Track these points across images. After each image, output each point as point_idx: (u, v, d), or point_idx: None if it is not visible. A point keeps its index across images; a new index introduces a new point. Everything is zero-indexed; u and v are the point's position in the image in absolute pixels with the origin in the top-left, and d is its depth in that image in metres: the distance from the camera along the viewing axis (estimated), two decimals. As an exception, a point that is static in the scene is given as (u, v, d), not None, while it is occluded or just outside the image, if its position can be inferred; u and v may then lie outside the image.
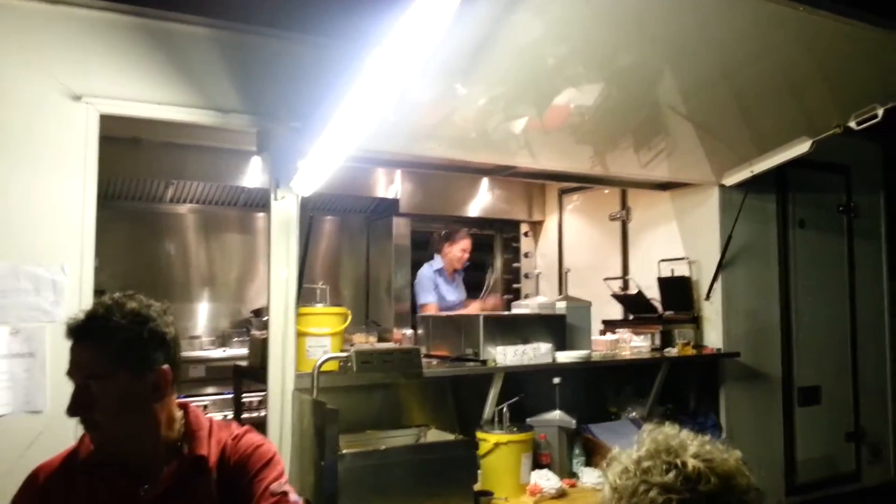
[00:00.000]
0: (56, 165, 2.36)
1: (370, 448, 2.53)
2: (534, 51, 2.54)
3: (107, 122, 3.86)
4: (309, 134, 2.59)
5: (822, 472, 4.07)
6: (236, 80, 2.63)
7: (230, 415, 3.96)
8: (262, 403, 4.23)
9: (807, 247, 4.20)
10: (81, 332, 1.37)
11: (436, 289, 4.56)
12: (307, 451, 2.49)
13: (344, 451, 2.41)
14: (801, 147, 3.45)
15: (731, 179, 3.84)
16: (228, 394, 4.05)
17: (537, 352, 3.10)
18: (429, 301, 4.60)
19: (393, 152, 3.23)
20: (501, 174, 4.06)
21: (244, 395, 3.76)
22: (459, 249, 4.53)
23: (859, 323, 4.40)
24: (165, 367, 1.40)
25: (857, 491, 4.23)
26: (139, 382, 1.37)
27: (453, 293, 4.57)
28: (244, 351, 3.97)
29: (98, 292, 1.46)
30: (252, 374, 3.21)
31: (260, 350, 2.93)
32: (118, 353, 1.34)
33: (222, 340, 4.72)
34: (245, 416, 3.96)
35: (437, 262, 4.65)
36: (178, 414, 1.48)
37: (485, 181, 5.26)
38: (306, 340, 2.79)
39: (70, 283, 2.30)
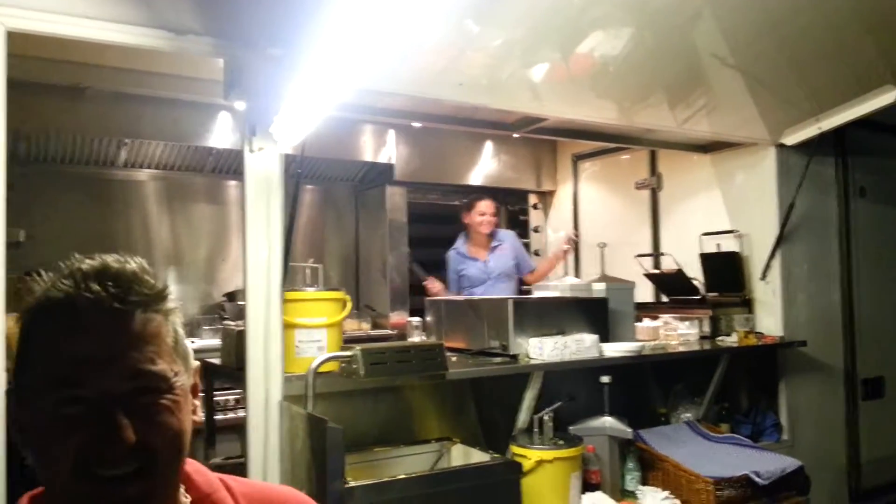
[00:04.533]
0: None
1: (385, 477, 1.91)
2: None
3: (39, 64, 3.24)
4: (293, 65, 1.93)
5: (888, 474, 3.57)
6: (197, -12, 1.96)
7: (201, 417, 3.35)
8: (240, 402, 3.65)
9: (868, 219, 3.66)
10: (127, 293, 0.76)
11: (459, 274, 4.02)
12: (301, 483, 1.87)
13: (352, 484, 1.80)
14: (886, 97, 2.88)
15: (794, 138, 3.27)
16: (199, 393, 3.39)
17: (581, 344, 2.51)
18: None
19: (395, 93, 2.61)
20: (516, 130, 3.50)
21: (216, 393, 3.16)
22: (478, 214, 3.98)
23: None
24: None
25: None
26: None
27: (478, 269, 3.98)
28: (216, 342, 3.33)
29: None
30: (226, 374, 2.58)
31: (235, 346, 2.30)
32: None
33: (190, 329, 4.05)
34: (219, 416, 3.38)
35: (460, 240, 4.09)
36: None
37: (489, 146, 4.66)
38: (295, 334, 2.16)
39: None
